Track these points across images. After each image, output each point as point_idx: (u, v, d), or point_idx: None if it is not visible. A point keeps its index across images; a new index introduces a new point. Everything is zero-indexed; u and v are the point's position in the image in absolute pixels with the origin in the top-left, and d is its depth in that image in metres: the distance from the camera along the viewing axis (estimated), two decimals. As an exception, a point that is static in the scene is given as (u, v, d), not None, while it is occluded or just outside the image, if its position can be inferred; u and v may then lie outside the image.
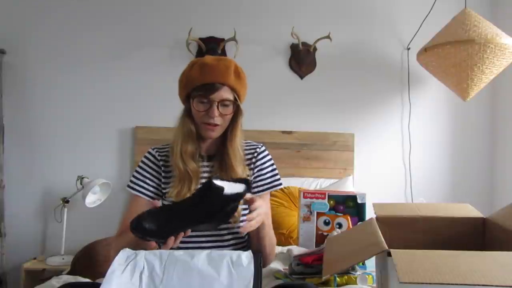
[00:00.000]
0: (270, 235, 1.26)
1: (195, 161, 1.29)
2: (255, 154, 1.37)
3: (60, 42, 2.74)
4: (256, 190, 1.34)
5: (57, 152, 2.72)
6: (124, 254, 0.91)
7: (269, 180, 1.36)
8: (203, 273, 0.85)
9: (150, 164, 1.34)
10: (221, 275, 0.85)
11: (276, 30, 2.81)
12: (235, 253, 0.90)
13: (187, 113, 1.30)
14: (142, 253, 0.91)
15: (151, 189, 1.32)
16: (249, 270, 0.85)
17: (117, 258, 0.89)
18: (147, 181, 1.32)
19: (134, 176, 1.33)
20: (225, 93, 1.24)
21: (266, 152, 1.39)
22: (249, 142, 1.40)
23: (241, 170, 1.28)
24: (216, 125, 1.25)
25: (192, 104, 1.26)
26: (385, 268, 0.78)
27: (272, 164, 1.39)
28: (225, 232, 1.30)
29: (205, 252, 0.91)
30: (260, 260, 0.89)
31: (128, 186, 1.33)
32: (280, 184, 1.38)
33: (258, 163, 1.36)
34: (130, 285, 0.84)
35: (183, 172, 1.26)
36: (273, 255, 1.36)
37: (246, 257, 0.88)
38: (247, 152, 1.37)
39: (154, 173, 1.33)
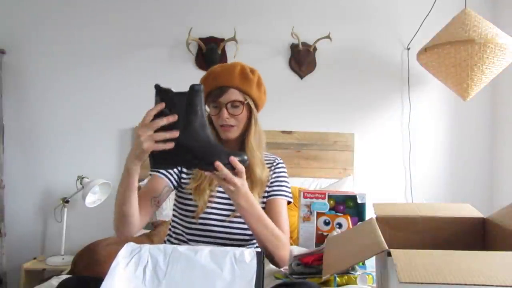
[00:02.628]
0: (266, 233, 1.23)
1: None
2: (274, 164, 1.43)
3: (60, 42, 2.75)
4: (272, 193, 1.37)
5: (57, 152, 2.72)
6: (128, 248, 0.92)
7: (284, 189, 1.40)
8: (206, 269, 0.86)
9: None
10: (224, 271, 0.86)
11: (276, 30, 2.81)
12: (238, 250, 0.90)
13: (209, 120, 1.35)
14: (146, 247, 0.92)
15: (174, 175, 1.35)
16: (251, 267, 0.86)
17: (121, 252, 0.90)
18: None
19: None
20: (233, 95, 1.29)
21: (283, 165, 1.46)
22: (268, 156, 1.45)
23: (260, 171, 1.32)
24: (230, 126, 1.30)
25: (208, 110, 1.34)
26: (385, 268, 0.78)
27: (287, 178, 1.44)
28: (234, 231, 1.32)
29: (208, 248, 0.92)
30: (263, 258, 0.90)
31: (152, 170, 1.33)
32: (292, 199, 1.42)
33: (275, 172, 1.41)
34: (134, 279, 0.85)
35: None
36: (278, 250, 1.28)
37: (249, 254, 0.89)
38: (266, 161, 1.41)
39: None
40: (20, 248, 2.67)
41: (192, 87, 1.04)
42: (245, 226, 1.32)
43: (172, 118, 1.01)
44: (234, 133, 1.32)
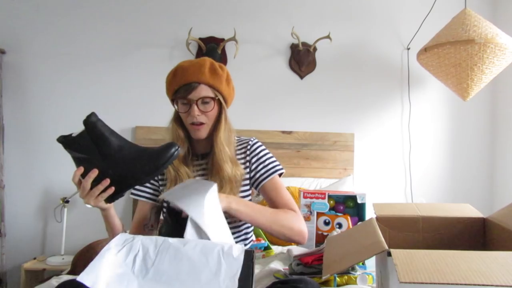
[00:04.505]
0: (265, 222, 1.22)
1: (187, 163, 1.33)
2: (248, 147, 1.38)
3: (60, 42, 2.75)
4: (262, 177, 1.34)
5: (57, 152, 2.70)
6: (122, 237, 0.94)
7: (271, 166, 1.36)
8: (193, 259, 0.88)
9: None
10: (210, 263, 0.87)
11: (276, 30, 2.81)
12: (227, 244, 0.92)
13: (176, 118, 1.34)
14: (139, 237, 0.94)
15: (150, 191, 1.36)
16: (238, 261, 0.88)
17: (114, 239, 0.92)
18: (149, 184, 1.37)
19: None
20: (203, 91, 1.26)
21: (259, 143, 1.41)
22: (241, 139, 1.41)
23: (229, 168, 1.28)
24: (201, 124, 1.28)
25: (177, 108, 1.31)
26: (385, 268, 0.78)
27: (269, 153, 1.40)
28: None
29: (199, 240, 0.94)
30: (253, 256, 0.91)
31: (131, 192, 1.37)
32: (282, 169, 1.38)
33: (253, 154, 1.37)
34: (123, 265, 0.87)
35: (174, 175, 1.30)
36: (291, 231, 1.26)
37: (237, 249, 0.90)
38: (240, 147, 1.38)
39: None
40: (20, 248, 2.67)
41: (85, 122, 1.02)
42: (229, 220, 1.31)
43: (93, 174, 1.03)
44: (204, 132, 1.29)
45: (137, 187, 1.35)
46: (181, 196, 1.04)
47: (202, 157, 1.37)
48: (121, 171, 1.04)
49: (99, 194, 1.04)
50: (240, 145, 1.39)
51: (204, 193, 1.04)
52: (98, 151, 1.03)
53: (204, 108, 1.27)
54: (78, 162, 1.05)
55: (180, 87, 1.26)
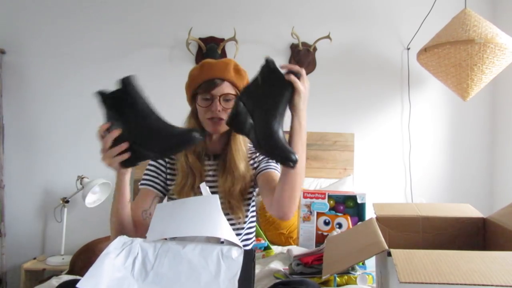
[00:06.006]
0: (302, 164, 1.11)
1: (200, 159, 1.33)
2: (257, 153, 1.39)
3: (60, 42, 2.75)
4: (263, 168, 1.33)
5: (57, 152, 2.72)
6: (120, 240, 0.94)
7: (273, 163, 1.35)
8: (192, 262, 0.88)
9: (158, 161, 1.38)
10: (210, 265, 0.88)
11: (276, 30, 2.81)
12: (226, 246, 0.92)
13: (192, 115, 1.35)
14: (137, 240, 0.94)
15: (161, 183, 1.36)
16: (237, 263, 0.88)
17: (113, 242, 0.92)
18: (156, 175, 1.36)
19: (144, 174, 1.38)
20: (226, 88, 1.28)
21: None
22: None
23: (243, 167, 1.31)
24: (220, 119, 1.28)
25: (197, 102, 1.31)
26: (385, 268, 0.78)
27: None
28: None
29: (198, 243, 0.94)
30: (253, 256, 0.91)
31: (140, 183, 1.37)
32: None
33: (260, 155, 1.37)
34: (122, 269, 0.87)
35: (186, 169, 1.31)
36: (297, 193, 1.16)
37: (236, 250, 0.91)
38: (250, 153, 1.40)
39: (162, 168, 1.37)
40: (20, 248, 2.67)
41: (123, 80, 1.04)
42: (234, 221, 1.31)
43: (114, 134, 1.03)
44: (222, 127, 1.29)
45: (146, 177, 1.36)
46: (180, 224, 1.01)
47: (214, 158, 1.37)
48: (140, 140, 1.03)
49: (115, 156, 1.04)
50: (250, 149, 1.41)
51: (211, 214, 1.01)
52: (126, 113, 1.03)
53: (226, 105, 1.28)
54: (107, 118, 1.06)
55: (204, 81, 1.28)
